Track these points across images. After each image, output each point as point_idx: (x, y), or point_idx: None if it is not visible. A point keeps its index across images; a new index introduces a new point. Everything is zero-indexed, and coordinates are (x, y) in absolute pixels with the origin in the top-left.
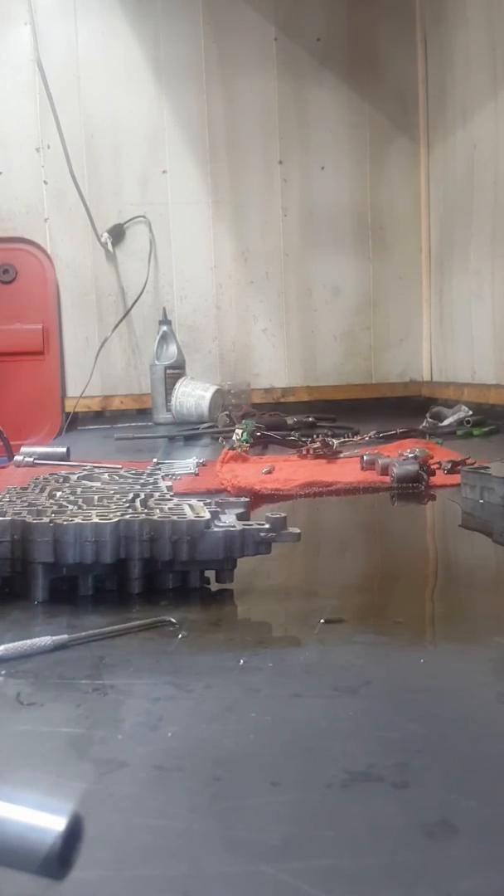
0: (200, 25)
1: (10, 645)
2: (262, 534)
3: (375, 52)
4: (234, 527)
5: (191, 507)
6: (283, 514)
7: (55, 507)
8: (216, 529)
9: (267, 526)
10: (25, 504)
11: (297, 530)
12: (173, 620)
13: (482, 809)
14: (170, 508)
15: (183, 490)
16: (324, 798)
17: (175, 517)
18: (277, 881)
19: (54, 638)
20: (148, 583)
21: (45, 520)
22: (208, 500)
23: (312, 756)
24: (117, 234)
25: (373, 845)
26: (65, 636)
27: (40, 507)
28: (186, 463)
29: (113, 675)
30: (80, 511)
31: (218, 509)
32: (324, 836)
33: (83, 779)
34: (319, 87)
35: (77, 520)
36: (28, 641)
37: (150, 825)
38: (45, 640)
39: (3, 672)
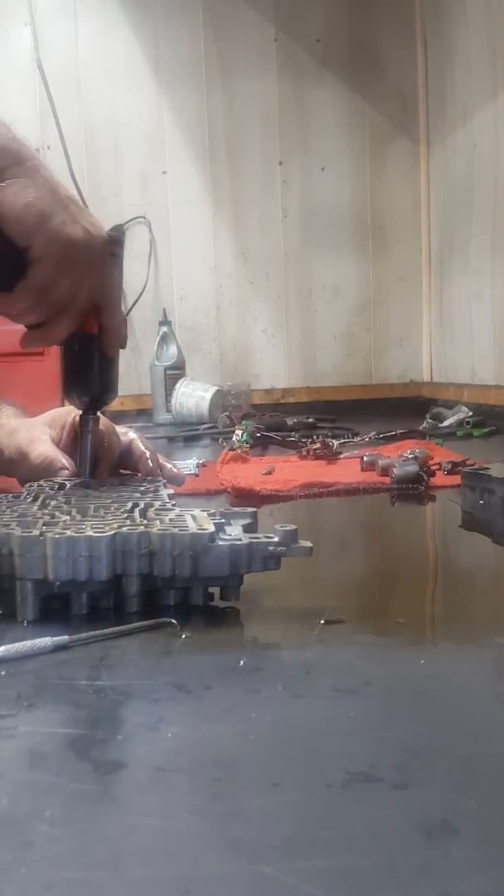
0: (200, 26)
1: (11, 645)
2: (271, 548)
3: (375, 53)
4: (240, 540)
5: (194, 518)
6: (293, 527)
7: (47, 519)
8: (221, 543)
9: (276, 539)
10: (16, 515)
11: (308, 544)
12: (174, 621)
13: (482, 809)
14: (171, 520)
15: (183, 490)
16: (324, 798)
17: (176, 529)
18: (277, 881)
19: (54, 638)
20: (147, 600)
21: (35, 532)
22: (213, 511)
23: (312, 756)
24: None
25: (373, 846)
26: (65, 637)
27: (31, 519)
28: (186, 464)
29: (113, 675)
30: (73, 522)
31: (223, 520)
32: (324, 837)
33: (83, 779)
34: (319, 88)
35: (69, 532)
36: (28, 642)
37: (150, 825)
38: (46, 641)
39: (2, 672)
